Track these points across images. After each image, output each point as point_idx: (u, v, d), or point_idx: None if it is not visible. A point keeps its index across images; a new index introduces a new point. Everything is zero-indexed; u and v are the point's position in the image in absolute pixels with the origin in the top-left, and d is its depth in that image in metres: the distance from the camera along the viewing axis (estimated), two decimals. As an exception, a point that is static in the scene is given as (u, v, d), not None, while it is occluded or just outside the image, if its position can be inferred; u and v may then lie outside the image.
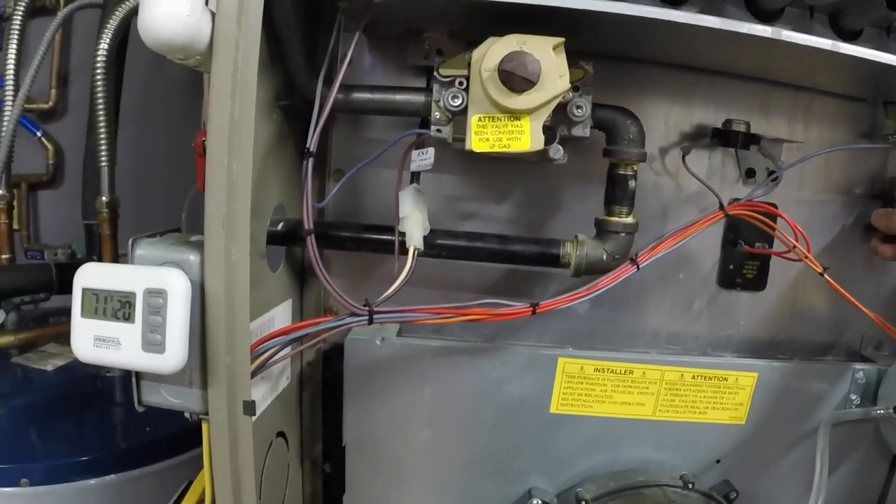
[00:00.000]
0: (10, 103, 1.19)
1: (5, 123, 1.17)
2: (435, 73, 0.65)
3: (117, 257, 1.17)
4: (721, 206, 0.74)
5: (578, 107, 0.66)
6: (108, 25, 1.08)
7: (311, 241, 0.64)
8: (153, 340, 0.55)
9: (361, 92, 0.70)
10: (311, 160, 0.64)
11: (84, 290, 0.57)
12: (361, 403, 0.78)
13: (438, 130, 0.66)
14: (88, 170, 1.21)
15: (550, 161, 0.68)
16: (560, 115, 0.67)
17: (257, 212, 0.65)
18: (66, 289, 0.59)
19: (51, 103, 1.62)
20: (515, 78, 0.60)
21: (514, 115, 0.62)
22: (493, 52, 0.61)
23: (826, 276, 0.75)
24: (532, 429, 0.80)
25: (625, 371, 0.78)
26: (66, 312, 0.57)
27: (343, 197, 0.79)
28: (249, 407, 0.60)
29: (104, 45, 1.05)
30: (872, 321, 0.77)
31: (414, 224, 0.68)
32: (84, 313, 0.57)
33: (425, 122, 0.67)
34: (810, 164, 0.83)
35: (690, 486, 0.78)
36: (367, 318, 0.65)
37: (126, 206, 1.21)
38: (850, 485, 0.87)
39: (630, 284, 0.79)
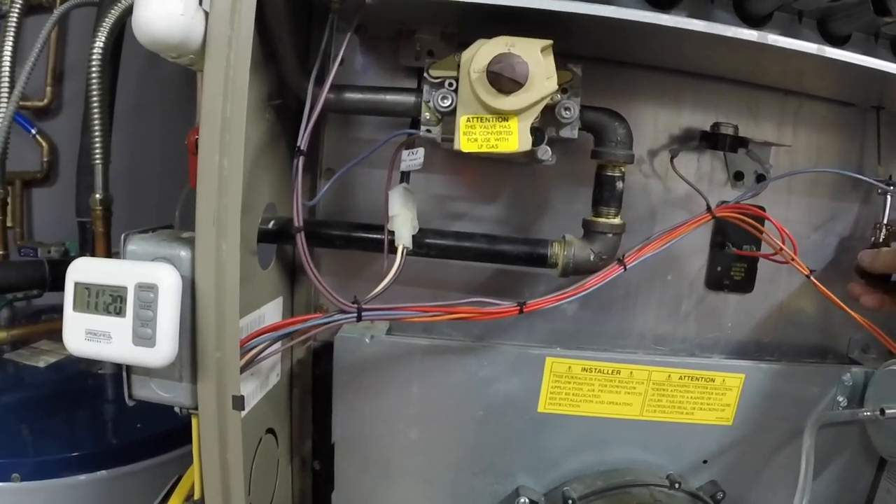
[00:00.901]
0: (5, 100, 1.19)
1: (0, 120, 1.17)
2: (425, 74, 0.66)
3: (111, 255, 1.17)
4: (708, 209, 0.75)
5: (566, 108, 0.67)
6: (104, 24, 1.08)
7: (300, 239, 0.65)
8: (144, 334, 0.56)
9: (352, 92, 0.70)
10: (301, 159, 0.64)
11: (76, 285, 0.58)
12: (350, 401, 0.79)
13: (428, 131, 0.67)
14: (82, 167, 1.22)
15: (539, 162, 0.69)
16: (548, 117, 0.68)
17: (248, 209, 0.65)
18: (59, 286, 0.60)
19: (46, 101, 1.63)
20: (503, 79, 0.60)
21: (502, 115, 0.63)
22: (481, 53, 0.62)
23: (812, 278, 0.76)
24: (520, 428, 0.81)
25: (612, 371, 0.78)
26: (59, 309, 0.58)
27: (334, 195, 0.80)
28: (238, 402, 0.61)
29: (99, 44, 1.06)
30: (860, 324, 0.78)
31: (403, 223, 0.68)
32: (76, 307, 0.58)
33: (416, 123, 0.68)
34: (798, 167, 0.84)
35: (677, 485, 0.79)
36: (355, 315, 0.66)
37: (120, 204, 1.22)
38: (837, 487, 0.88)
39: (618, 285, 0.80)
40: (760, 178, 0.82)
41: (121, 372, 0.62)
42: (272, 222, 0.72)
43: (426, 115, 0.67)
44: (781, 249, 0.76)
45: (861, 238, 0.85)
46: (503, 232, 0.79)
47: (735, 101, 0.82)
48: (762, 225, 0.77)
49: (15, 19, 1.27)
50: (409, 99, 0.69)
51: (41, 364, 1.29)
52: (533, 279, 0.81)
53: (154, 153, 1.61)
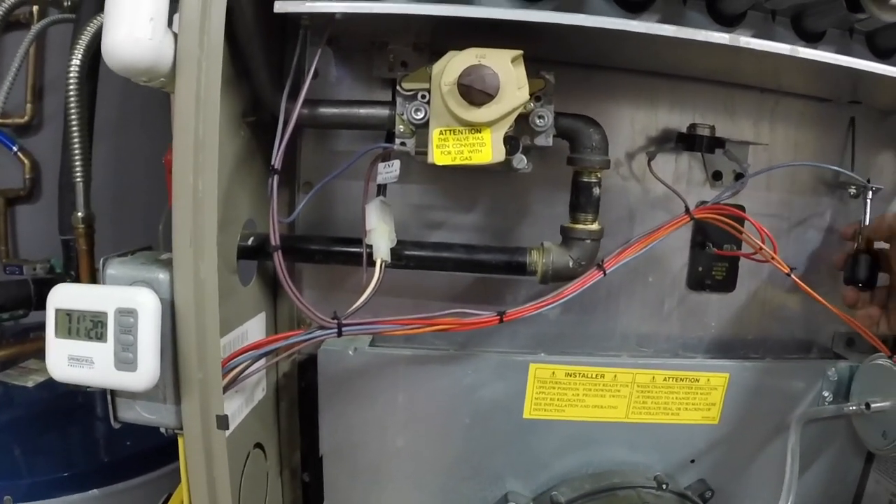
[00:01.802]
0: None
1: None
2: (398, 87, 0.66)
3: (94, 272, 1.17)
4: (687, 210, 0.75)
5: (540, 117, 0.67)
6: (81, 40, 1.07)
7: (277, 257, 0.65)
8: (125, 359, 0.56)
9: (326, 107, 0.70)
10: (276, 177, 0.64)
11: (57, 311, 0.58)
12: (337, 413, 0.79)
13: (403, 143, 0.67)
14: (64, 185, 1.21)
15: (515, 171, 0.69)
16: (522, 125, 0.68)
17: (226, 227, 0.66)
18: (45, 304, 0.60)
19: (27, 117, 1.61)
20: (474, 91, 0.61)
21: (475, 127, 0.63)
22: (452, 66, 0.62)
23: (793, 276, 0.76)
24: (506, 433, 0.81)
25: (596, 375, 0.79)
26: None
27: (314, 208, 0.80)
28: (222, 421, 0.61)
29: (76, 61, 1.05)
30: (844, 319, 0.78)
31: (380, 236, 0.68)
32: (58, 334, 0.58)
33: (391, 135, 0.68)
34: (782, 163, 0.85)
35: (664, 486, 0.79)
36: (335, 330, 0.66)
37: (104, 221, 1.21)
38: (826, 481, 0.88)
39: (599, 288, 0.81)
40: (739, 177, 0.83)
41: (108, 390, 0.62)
42: (251, 239, 0.72)
43: (400, 127, 0.67)
44: (761, 248, 0.76)
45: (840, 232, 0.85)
46: (483, 240, 0.80)
47: (712, 101, 0.82)
48: (741, 224, 0.78)
49: (-8, 37, 1.26)
50: (383, 112, 0.69)
51: (30, 384, 1.28)
52: (515, 285, 0.81)
53: (139, 167, 1.60)
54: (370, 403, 0.79)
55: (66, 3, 1.29)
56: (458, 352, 0.79)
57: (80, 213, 1.13)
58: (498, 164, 0.66)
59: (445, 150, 0.63)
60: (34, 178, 1.64)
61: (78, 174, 1.09)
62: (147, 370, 0.56)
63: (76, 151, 1.08)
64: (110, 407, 0.62)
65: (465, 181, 0.79)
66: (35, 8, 1.50)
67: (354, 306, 0.67)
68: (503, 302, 0.79)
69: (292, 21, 0.70)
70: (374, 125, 0.69)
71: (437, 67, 0.63)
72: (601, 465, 0.82)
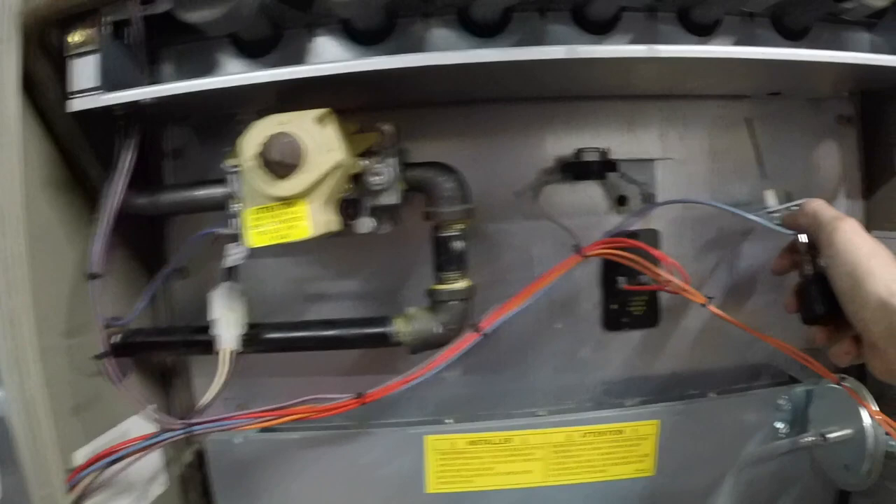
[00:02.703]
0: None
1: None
2: (223, 165, 0.61)
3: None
4: (577, 249, 0.67)
5: (375, 174, 0.61)
6: None
7: (108, 364, 0.61)
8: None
9: (164, 193, 0.66)
10: (97, 282, 0.60)
11: None
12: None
13: (230, 224, 0.61)
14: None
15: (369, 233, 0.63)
16: (364, 185, 0.61)
17: (79, 332, 0.62)
18: None
19: None
20: (273, 164, 0.55)
21: (289, 201, 0.57)
22: (252, 137, 0.56)
23: (711, 306, 0.67)
24: (413, 511, 0.74)
25: (502, 440, 0.71)
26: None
27: (194, 293, 0.74)
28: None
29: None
30: (797, 337, 0.68)
31: (225, 325, 0.63)
32: None
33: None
34: (699, 177, 0.75)
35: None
36: (182, 431, 0.62)
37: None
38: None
39: (500, 341, 0.73)
40: (648, 199, 0.73)
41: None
42: (119, 336, 0.68)
43: (234, 207, 0.61)
44: (669, 281, 0.66)
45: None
46: (367, 307, 0.73)
47: (609, 119, 0.74)
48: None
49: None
50: (218, 191, 0.63)
51: None
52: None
53: None
54: (266, 493, 0.73)
55: None
56: (351, 430, 0.72)
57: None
58: (335, 232, 0.60)
59: (261, 230, 0.57)
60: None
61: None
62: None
63: None
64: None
65: (343, 247, 0.73)
66: None
67: (202, 402, 0.62)
68: (394, 368, 0.71)
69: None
70: (212, 206, 0.64)
71: (242, 140, 0.57)
72: (526, 534, 0.74)
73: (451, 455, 0.71)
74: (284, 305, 0.73)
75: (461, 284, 0.64)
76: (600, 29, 0.67)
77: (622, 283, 0.73)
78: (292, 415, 0.63)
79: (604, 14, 0.66)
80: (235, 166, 0.60)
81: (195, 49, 0.68)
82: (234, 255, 0.64)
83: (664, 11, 0.69)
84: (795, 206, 0.63)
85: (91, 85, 0.57)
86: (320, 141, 0.56)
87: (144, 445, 0.62)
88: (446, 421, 0.73)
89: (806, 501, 0.76)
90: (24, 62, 0.53)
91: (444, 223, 0.63)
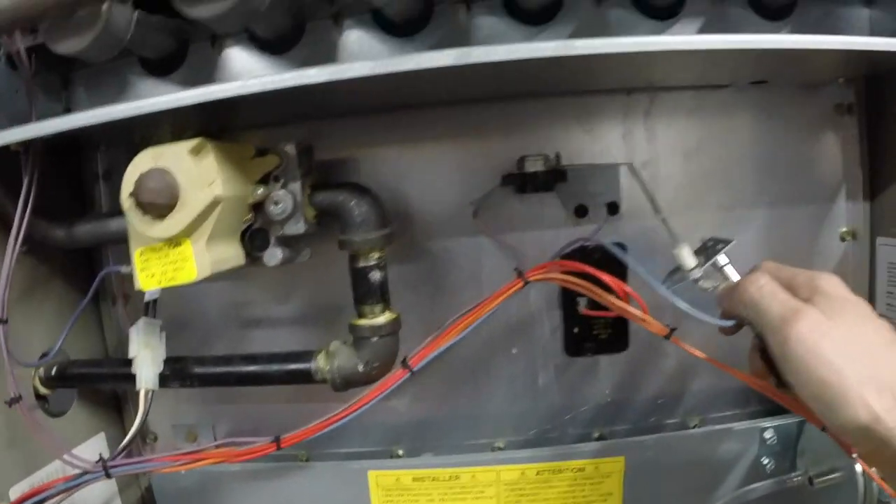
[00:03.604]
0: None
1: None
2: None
3: None
4: (518, 273, 0.60)
5: (276, 203, 0.56)
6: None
7: (20, 408, 0.59)
8: None
9: (80, 224, 0.63)
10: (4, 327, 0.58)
11: None
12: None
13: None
14: None
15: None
16: (266, 215, 0.57)
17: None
18: None
19: None
20: (145, 204, 0.50)
21: (174, 241, 0.52)
22: (128, 175, 0.52)
23: (674, 338, 0.57)
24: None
25: (449, 477, 0.66)
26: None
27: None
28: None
29: None
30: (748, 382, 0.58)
31: (142, 363, 0.60)
32: None
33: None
34: (671, 181, 0.66)
35: None
36: (102, 473, 0.60)
37: None
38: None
39: (452, 368, 0.68)
40: (613, 209, 0.65)
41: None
42: (54, 368, 0.67)
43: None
44: (625, 310, 0.57)
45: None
46: (308, 333, 0.69)
47: (559, 119, 0.65)
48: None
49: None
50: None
51: None
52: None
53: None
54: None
55: None
56: (290, 463, 0.69)
57: None
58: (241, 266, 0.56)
59: (149, 272, 0.54)
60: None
61: None
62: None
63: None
64: None
65: (282, 271, 0.67)
66: None
67: (122, 444, 0.60)
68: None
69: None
70: (125, 239, 0.61)
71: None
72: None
73: (395, 491, 0.67)
74: (221, 331, 0.70)
75: (383, 319, 0.58)
76: (534, 19, 0.59)
77: (582, 305, 0.65)
78: (208, 459, 0.59)
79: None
80: (126, 204, 0.56)
81: (105, 72, 0.64)
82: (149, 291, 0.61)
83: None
84: (727, 264, 0.51)
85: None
86: (196, 175, 0.51)
87: (67, 488, 0.61)
88: (396, 450, 0.69)
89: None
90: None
91: (360, 252, 0.58)
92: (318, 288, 0.68)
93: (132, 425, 0.70)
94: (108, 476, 0.60)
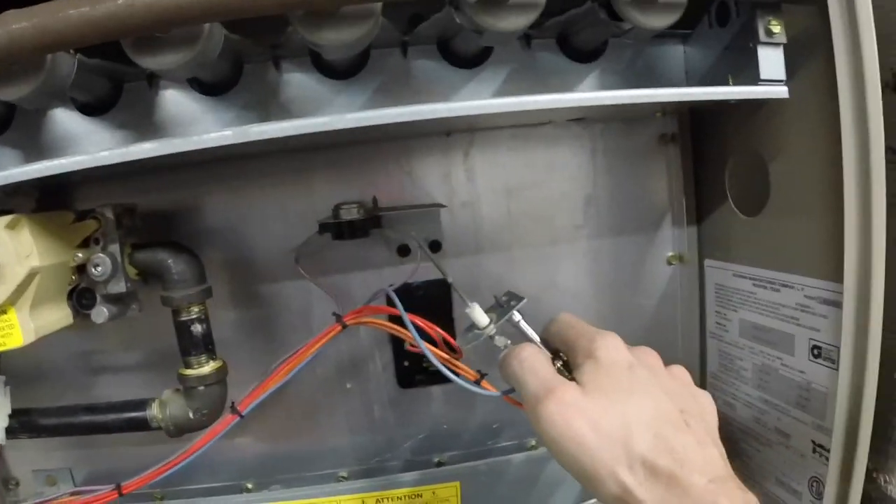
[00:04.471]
0: None
1: None
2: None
3: None
4: (337, 318, 0.63)
5: (96, 265, 0.59)
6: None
7: None
8: None
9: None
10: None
11: None
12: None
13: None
14: None
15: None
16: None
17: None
18: None
19: None
20: (-37, 285, 0.53)
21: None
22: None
23: (484, 382, 0.59)
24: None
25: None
26: None
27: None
28: None
29: None
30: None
31: (-15, 419, 0.63)
32: None
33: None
34: (493, 220, 0.68)
35: None
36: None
37: None
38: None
39: (291, 405, 0.71)
40: (435, 247, 0.68)
41: None
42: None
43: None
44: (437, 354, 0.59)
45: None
46: (155, 380, 0.69)
47: (381, 163, 0.68)
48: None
49: None
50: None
51: None
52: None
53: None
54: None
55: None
56: (151, 502, 0.72)
57: None
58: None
59: (-24, 339, 0.56)
60: None
61: None
62: None
63: None
64: None
65: (127, 319, 0.71)
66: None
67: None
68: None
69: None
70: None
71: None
72: None
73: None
74: (71, 379, 0.71)
75: (208, 368, 0.62)
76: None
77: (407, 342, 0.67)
78: (51, 506, 0.63)
79: (342, 63, 0.60)
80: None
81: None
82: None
83: (419, 45, 0.62)
84: (519, 321, 0.52)
85: None
86: (12, 249, 0.54)
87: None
88: (246, 485, 0.72)
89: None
90: None
91: (181, 307, 0.61)
92: (158, 336, 0.70)
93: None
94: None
